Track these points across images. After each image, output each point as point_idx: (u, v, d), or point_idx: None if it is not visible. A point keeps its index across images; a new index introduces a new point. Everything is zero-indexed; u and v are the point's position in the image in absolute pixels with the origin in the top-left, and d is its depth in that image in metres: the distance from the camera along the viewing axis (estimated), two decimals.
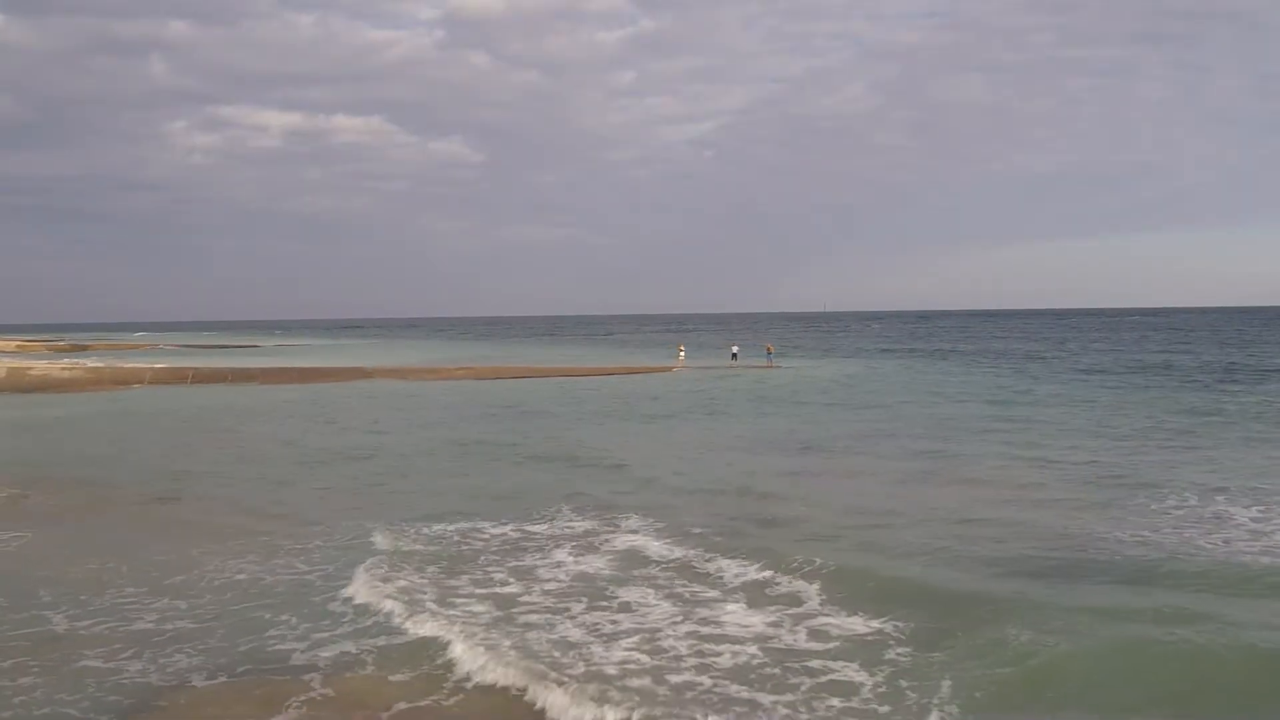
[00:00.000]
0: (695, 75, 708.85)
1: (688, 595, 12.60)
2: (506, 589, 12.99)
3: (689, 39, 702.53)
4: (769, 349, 62.33)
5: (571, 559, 14.44)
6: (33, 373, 50.35)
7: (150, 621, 12.08)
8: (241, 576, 13.88)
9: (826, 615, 11.67)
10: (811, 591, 12.53)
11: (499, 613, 11.99)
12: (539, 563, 14.28)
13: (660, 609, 12.08)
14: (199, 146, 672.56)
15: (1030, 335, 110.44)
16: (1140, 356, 61.24)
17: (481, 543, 15.50)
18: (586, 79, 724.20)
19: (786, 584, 12.81)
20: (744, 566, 13.63)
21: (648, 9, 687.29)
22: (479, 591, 12.91)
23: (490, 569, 13.92)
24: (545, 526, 16.56)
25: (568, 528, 16.38)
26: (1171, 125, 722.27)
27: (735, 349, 61.50)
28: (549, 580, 13.40)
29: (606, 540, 15.41)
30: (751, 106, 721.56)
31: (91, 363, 62.13)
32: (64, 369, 51.97)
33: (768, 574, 13.24)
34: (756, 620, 11.54)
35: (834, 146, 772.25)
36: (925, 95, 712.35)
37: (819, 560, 13.62)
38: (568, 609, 12.12)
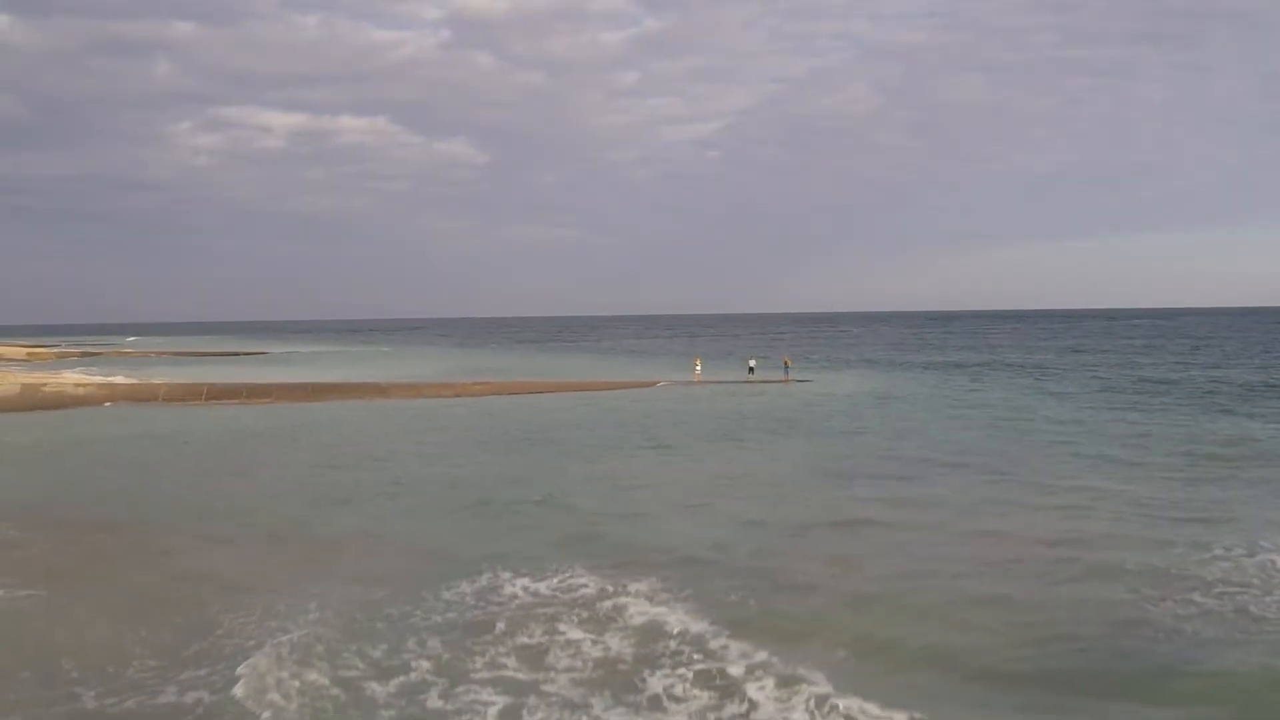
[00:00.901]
0: (698, 75, 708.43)
1: (720, 683, 11.88)
2: (518, 675, 12.38)
3: (692, 39, 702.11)
4: (786, 362, 61.80)
5: (588, 637, 13.65)
6: (46, 389, 49.94)
7: (172, 695, 11.93)
8: (251, 644, 13.45)
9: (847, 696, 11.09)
10: (843, 671, 11.99)
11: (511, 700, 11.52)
12: (553, 638, 13.57)
13: (695, 701, 11.47)
14: (203, 147, 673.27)
15: (1038, 342, 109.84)
16: (1155, 371, 60.51)
17: (496, 607, 14.95)
18: (589, 79, 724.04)
19: (819, 672, 11.93)
20: (775, 647, 12.79)
21: (651, 9, 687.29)
22: (488, 675, 12.35)
23: (500, 654, 13.13)
24: (558, 584, 15.99)
25: (582, 592, 15.71)
26: (1172, 125, 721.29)
27: (752, 363, 60.99)
28: (566, 669, 12.60)
29: (624, 610, 14.62)
30: (753, 107, 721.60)
31: (105, 377, 61.71)
32: (78, 384, 51.56)
33: (799, 657, 12.45)
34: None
35: (835, 147, 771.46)
36: (926, 95, 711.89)
37: (853, 633, 13.29)
38: (589, 706, 11.48)
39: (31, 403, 47.94)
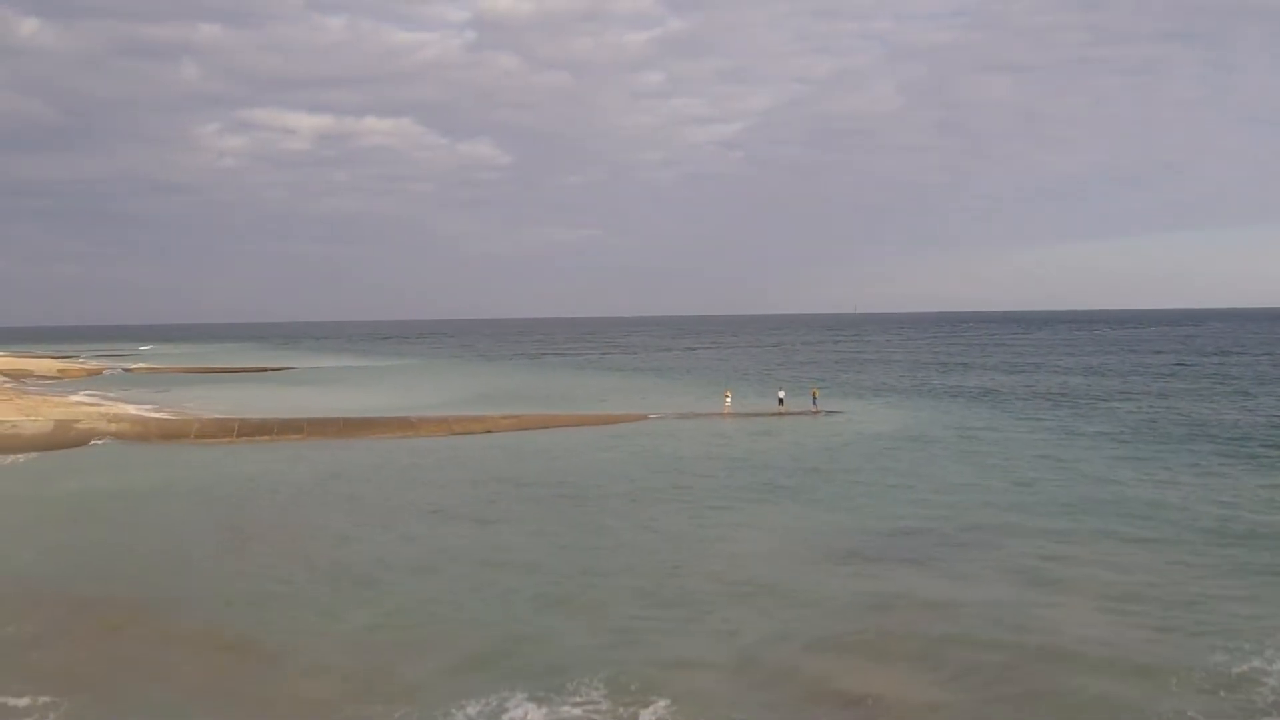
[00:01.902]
0: (722, 76, 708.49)
1: None
2: None
3: (715, 40, 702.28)
4: (815, 394, 61.42)
5: None
6: (80, 426, 50.22)
7: None
8: None
9: None
10: None
11: None
12: None
13: None
14: (228, 149, 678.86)
15: (1063, 359, 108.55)
16: (1184, 404, 59.07)
17: None
18: (613, 80, 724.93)
19: None
20: None
21: (675, 10, 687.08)
22: None
23: None
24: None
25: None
26: (1202, 124, 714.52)
27: (782, 394, 60.63)
28: None
29: None
30: (778, 107, 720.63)
31: (137, 408, 62.11)
32: (111, 420, 51.81)
33: None
34: None
35: (861, 147, 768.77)
36: (952, 95, 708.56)
37: None
38: None
39: (65, 440, 48.29)
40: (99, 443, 47.48)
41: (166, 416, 55.62)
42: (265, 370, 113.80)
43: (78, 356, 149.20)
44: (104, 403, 68.70)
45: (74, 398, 74.26)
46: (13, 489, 37.07)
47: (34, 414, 56.94)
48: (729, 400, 59.29)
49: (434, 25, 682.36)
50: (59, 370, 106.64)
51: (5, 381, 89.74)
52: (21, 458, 44.70)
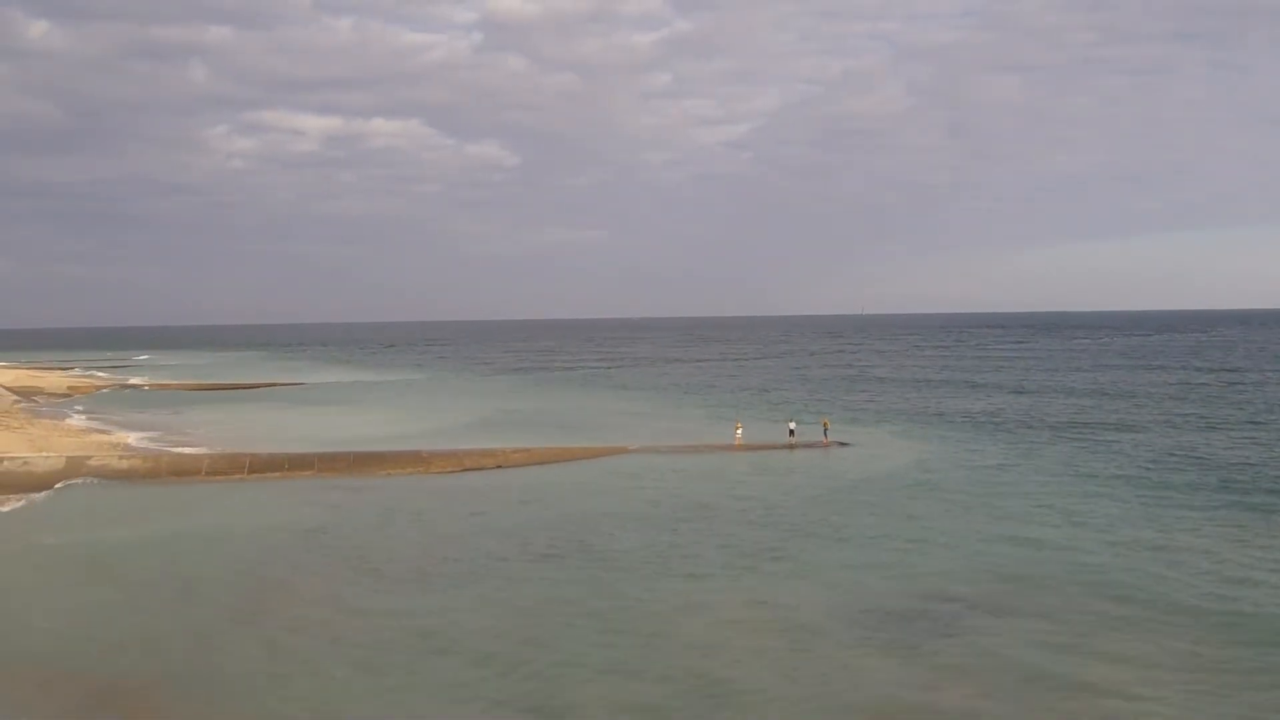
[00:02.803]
0: (730, 77, 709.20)
1: None
2: None
3: (723, 40, 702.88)
4: (825, 424, 61.34)
5: None
6: (92, 463, 50.29)
7: None
8: None
9: None
10: None
11: None
12: None
13: None
14: (237, 151, 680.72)
15: (1073, 376, 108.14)
16: (1210, 440, 58.24)
17: None
18: (621, 81, 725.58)
19: None
20: None
21: (682, 11, 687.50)
22: None
23: None
24: None
25: None
26: (1210, 124, 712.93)
27: (793, 425, 60.49)
28: None
29: None
30: (785, 108, 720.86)
31: (145, 438, 62.20)
32: (122, 457, 51.90)
33: None
34: None
35: (868, 148, 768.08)
36: (961, 96, 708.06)
37: None
38: None
39: (77, 476, 48.34)
40: (111, 482, 47.50)
41: (178, 451, 55.60)
42: (274, 385, 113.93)
43: (73, 367, 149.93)
44: (114, 430, 68.83)
45: (82, 421, 74.46)
46: (26, 536, 37.12)
47: (46, 446, 57.08)
48: (740, 432, 59.18)
49: (441, 27, 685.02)
50: (69, 388, 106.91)
51: (16, 401, 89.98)
52: (38, 497, 44.90)
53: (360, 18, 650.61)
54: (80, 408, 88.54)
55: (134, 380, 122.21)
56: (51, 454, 51.78)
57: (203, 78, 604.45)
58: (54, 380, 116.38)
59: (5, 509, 42.61)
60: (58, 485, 46.77)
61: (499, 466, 53.35)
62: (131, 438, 64.47)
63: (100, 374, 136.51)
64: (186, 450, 55.28)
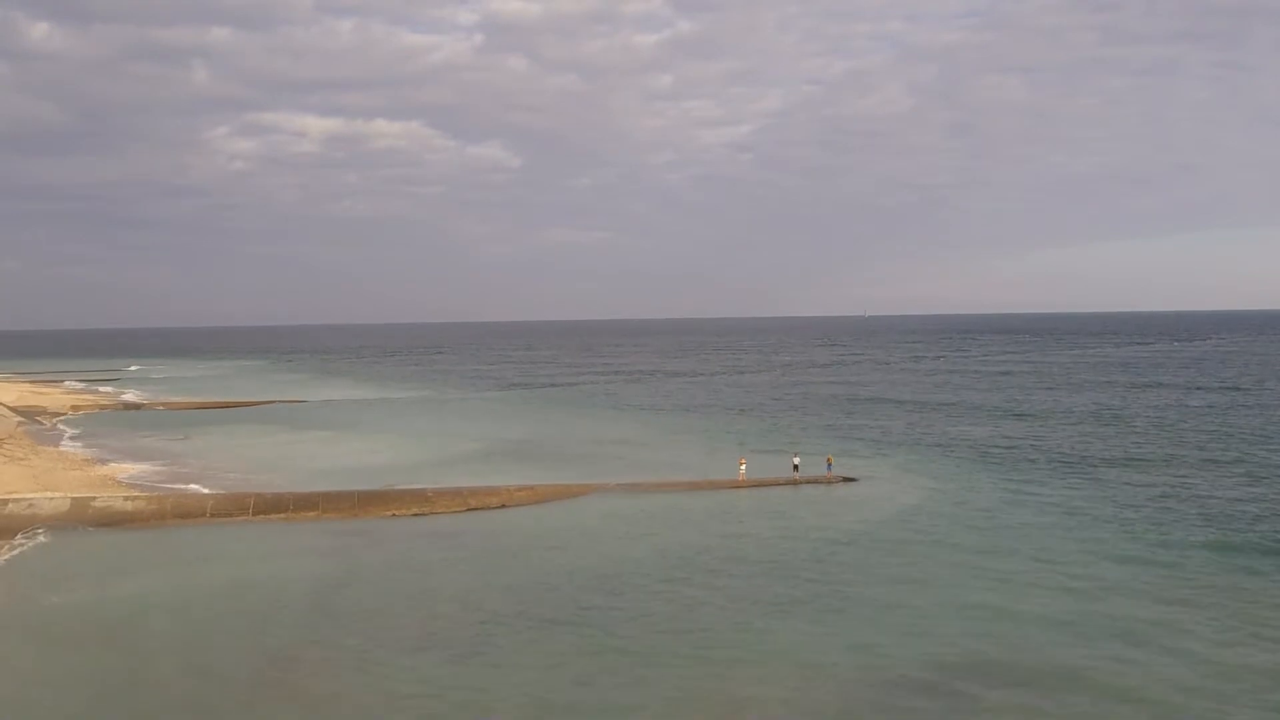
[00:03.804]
0: (733, 78, 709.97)
1: None
2: None
3: (726, 41, 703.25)
4: (829, 460, 61.32)
5: None
6: (96, 505, 50.31)
7: None
8: None
9: None
10: None
11: None
12: None
13: None
14: (239, 152, 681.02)
15: (1081, 397, 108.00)
16: (1215, 481, 56.78)
17: None
18: (623, 82, 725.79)
19: None
20: None
21: (684, 11, 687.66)
22: None
23: None
24: None
25: None
26: (1214, 124, 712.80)
27: (797, 460, 60.53)
28: None
29: None
30: (788, 109, 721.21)
31: (150, 472, 62.19)
32: (126, 498, 51.90)
33: None
34: None
35: (871, 148, 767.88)
36: (964, 96, 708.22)
37: None
38: None
39: (80, 522, 48.38)
40: (114, 530, 47.34)
41: (181, 491, 55.63)
42: (275, 403, 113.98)
43: (63, 380, 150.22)
44: (117, 459, 68.93)
45: (84, 449, 74.51)
46: (29, 594, 36.94)
47: (50, 482, 57.18)
48: (744, 469, 59.16)
49: (444, 28, 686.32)
50: (71, 407, 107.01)
51: (20, 424, 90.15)
52: (43, 542, 44.93)
53: (362, 19, 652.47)
54: (82, 429, 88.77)
55: (135, 398, 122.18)
56: (56, 495, 51.82)
57: (204, 79, 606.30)
58: (57, 399, 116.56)
59: (8, 556, 42.68)
60: (61, 529, 46.87)
61: (503, 505, 53.50)
62: (135, 469, 64.63)
63: (104, 388, 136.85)
64: (190, 490, 55.21)
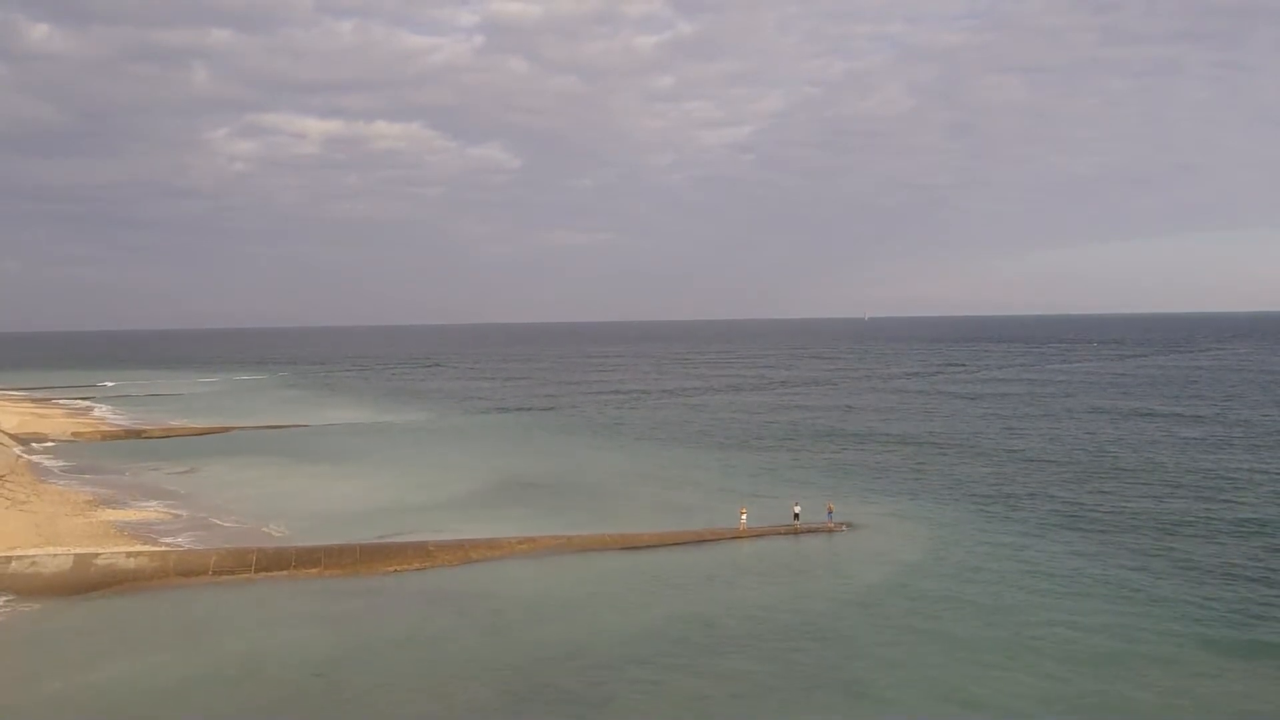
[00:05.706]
0: (733, 79, 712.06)
1: None
2: None
3: (726, 42, 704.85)
4: (830, 508, 61.53)
5: None
6: (99, 563, 50.46)
7: None
8: None
9: None
10: None
11: None
12: None
13: None
14: (239, 154, 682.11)
15: (1081, 424, 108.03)
16: (1214, 537, 56.08)
17: None
18: (624, 83, 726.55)
19: None
20: None
21: (685, 13, 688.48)
22: None
23: None
24: None
25: None
26: (1214, 125, 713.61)
27: (797, 508, 60.79)
28: None
29: None
30: (789, 110, 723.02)
31: (149, 520, 62.34)
32: (129, 555, 52.02)
33: None
34: None
35: (871, 149, 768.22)
36: (964, 97, 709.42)
37: None
38: None
39: (83, 581, 48.53)
40: (117, 596, 47.26)
41: (185, 546, 55.85)
42: (277, 428, 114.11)
43: (50, 400, 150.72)
44: (120, 502, 69.10)
45: (87, 489, 74.61)
46: (29, 678, 36.72)
47: (52, 532, 57.40)
48: (744, 518, 59.40)
49: (444, 29, 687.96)
50: (73, 434, 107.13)
51: (19, 454, 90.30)
52: (45, 608, 45.12)
53: (362, 20, 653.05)
54: (83, 460, 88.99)
55: (136, 423, 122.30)
56: (59, 551, 51.97)
57: (204, 80, 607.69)
58: (59, 423, 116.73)
59: (9, 626, 42.84)
60: (63, 593, 47.05)
61: (502, 557, 53.79)
62: (138, 515, 64.83)
63: (106, 412, 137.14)
64: (193, 549, 55.28)
